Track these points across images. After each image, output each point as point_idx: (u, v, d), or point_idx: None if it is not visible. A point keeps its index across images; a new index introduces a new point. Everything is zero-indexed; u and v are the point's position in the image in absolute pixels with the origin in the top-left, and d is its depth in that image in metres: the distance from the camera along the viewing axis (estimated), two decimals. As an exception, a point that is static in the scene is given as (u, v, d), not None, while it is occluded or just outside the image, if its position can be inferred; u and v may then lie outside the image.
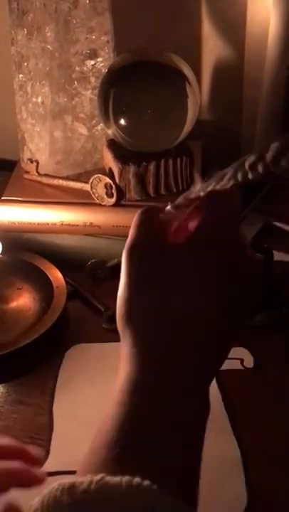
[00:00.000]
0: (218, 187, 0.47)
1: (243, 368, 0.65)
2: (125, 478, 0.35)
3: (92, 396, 0.62)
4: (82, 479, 0.36)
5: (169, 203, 0.48)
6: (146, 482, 0.35)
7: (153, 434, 0.39)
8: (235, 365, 0.65)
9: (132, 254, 0.46)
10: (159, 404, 0.40)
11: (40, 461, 0.51)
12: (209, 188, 0.47)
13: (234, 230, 0.46)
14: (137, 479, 0.35)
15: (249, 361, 0.65)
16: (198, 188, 0.47)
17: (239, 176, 0.47)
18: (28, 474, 0.48)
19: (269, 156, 0.46)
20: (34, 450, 0.50)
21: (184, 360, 0.42)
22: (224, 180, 0.47)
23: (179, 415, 0.40)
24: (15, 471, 0.48)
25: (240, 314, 0.45)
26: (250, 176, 0.46)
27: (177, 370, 0.42)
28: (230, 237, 0.45)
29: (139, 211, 0.48)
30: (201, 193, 0.47)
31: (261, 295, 0.47)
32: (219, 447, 0.55)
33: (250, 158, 0.46)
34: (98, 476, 0.35)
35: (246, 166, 0.47)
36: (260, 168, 0.46)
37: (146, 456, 0.38)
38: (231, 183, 0.47)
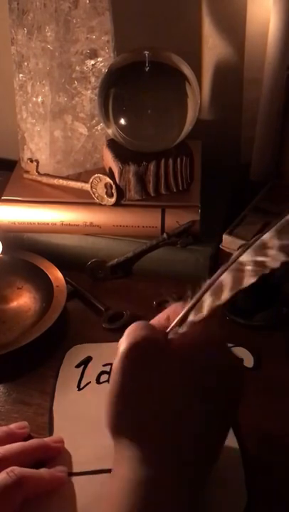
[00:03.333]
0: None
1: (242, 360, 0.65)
2: None
3: (92, 396, 0.62)
4: None
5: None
6: None
7: None
8: None
9: (130, 359, 0.47)
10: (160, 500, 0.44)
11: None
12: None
13: (218, 350, 0.49)
14: None
15: (249, 361, 0.65)
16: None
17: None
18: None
19: None
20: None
21: (179, 456, 0.45)
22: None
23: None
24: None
25: (225, 422, 0.49)
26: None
27: (176, 467, 0.45)
28: (214, 356, 0.48)
29: (132, 324, 0.50)
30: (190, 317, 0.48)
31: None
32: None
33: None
34: None
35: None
36: None
37: None
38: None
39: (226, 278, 0.47)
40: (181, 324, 0.49)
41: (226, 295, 0.47)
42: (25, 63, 0.78)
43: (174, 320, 0.50)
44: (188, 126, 0.78)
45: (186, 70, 0.77)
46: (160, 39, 0.84)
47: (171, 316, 0.51)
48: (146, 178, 0.77)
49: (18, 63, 0.79)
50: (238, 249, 0.50)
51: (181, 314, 0.49)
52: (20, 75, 0.79)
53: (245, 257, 0.47)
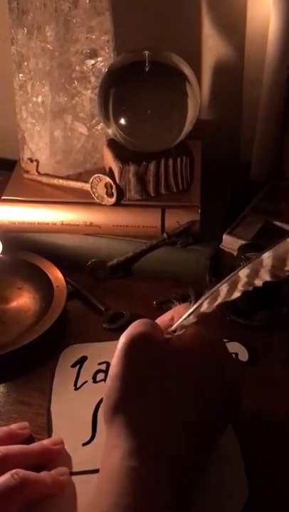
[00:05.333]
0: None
1: (238, 361, 0.65)
2: None
3: (89, 395, 0.62)
4: None
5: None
6: None
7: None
8: None
9: (131, 349, 0.49)
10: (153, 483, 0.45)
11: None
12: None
13: (216, 349, 0.51)
14: None
15: (244, 355, 0.65)
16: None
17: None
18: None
19: None
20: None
21: (167, 451, 0.46)
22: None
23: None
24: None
25: (218, 418, 0.50)
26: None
27: (166, 460, 0.46)
28: (212, 353, 0.51)
29: (138, 320, 0.52)
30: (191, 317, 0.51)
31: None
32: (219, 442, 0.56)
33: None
34: None
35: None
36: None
37: None
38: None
39: (222, 289, 0.50)
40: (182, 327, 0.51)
41: (214, 305, 0.50)
42: (25, 63, 0.78)
43: (176, 320, 0.52)
44: (188, 126, 0.78)
45: (186, 70, 0.77)
46: (160, 39, 0.84)
47: (175, 316, 0.53)
48: (147, 178, 0.77)
49: (18, 63, 0.79)
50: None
51: (183, 317, 0.51)
52: (20, 75, 0.79)
53: (244, 271, 0.50)
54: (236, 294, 0.49)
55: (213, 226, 0.78)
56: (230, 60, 0.86)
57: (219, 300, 0.49)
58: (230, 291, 0.49)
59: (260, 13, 0.80)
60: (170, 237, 0.76)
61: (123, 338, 0.50)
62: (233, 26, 0.84)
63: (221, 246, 0.75)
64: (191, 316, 0.51)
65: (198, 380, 0.49)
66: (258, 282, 0.48)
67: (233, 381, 0.52)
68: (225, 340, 0.66)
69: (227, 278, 0.50)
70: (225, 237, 0.75)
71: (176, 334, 0.51)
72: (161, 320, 0.54)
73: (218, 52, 0.86)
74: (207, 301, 0.50)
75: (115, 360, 0.49)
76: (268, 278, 0.48)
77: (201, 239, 0.76)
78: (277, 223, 0.77)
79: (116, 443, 0.47)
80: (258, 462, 0.55)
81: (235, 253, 0.71)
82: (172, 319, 0.53)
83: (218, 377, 0.50)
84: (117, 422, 0.48)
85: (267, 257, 0.48)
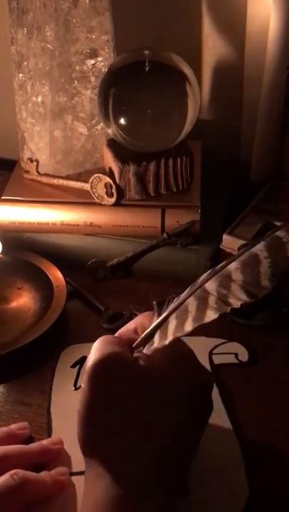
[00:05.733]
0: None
1: (238, 361, 0.65)
2: None
3: None
4: None
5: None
6: None
7: None
8: (230, 359, 0.65)
9: (97, 374, 0.47)
10: None
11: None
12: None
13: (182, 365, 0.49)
14: None
15: (244, 355, 0.65)
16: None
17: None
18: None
19: None
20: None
21: (142, 478, 0.45)
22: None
23: None
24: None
25: (194, 427, 0.49)
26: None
27: (147, 484, 0.45)
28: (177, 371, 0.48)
29: (99, 338, 0.50)
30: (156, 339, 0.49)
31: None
32: (219, 442, 0.55)
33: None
34: None
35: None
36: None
37: None
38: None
39: (190, 303, 0.47)
40: (147, 342, 0.49)
41: (188, 327, 0.46)
42: (25, 63, 0.78)
43: (141, 333, 0.50)
44: (188, 126, 0.78)
45: (186, 69, 0.77)
46: (160, 39, 0.84)
47: (138, 328, 0.51)
48: (146, 178, 0.77)
49: (17, 63, 0.79)
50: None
51: (147, 331, 0.50)
52: (20, 75, 0.79)
53: (211, 285, 0.47)
54: (211, 315, 0.45)
55: (213, 226, 0.78)
56: (230, 60, 0.86)
57: (191, 321, 0.46)
58: (200, 310, 0.46)
59: (260, 13, 0.80)
60: (170, 237, 0.76)
61: (90, 362, 0.48)
62: (233, 26, 0.84)
63: (221, 246, 0.75)
64: (158, 335, 0.48)
65: (171, 397, 0.48)
66: (235, 302, 0.45)
67: (208, 383, 0.50)
68: (225, 340, 0.66)
69: (192, 288, 0.48)
70: (225, 237, 0.75)
71: (144, 353, 0.49)
72: (125, 332, 0.52)
73: (218, 52, 0.86)
74: (174, 316, 0.48)
75: (84, 387, 0.47)
76: (243, 297, 0.44)
77: (201, 239, 0.76)
78: (277, 223, 0.77)
79: (98, 472, 0.46)
80: (257, 462, 0.55)
81: (235, 253, 0.71)
82: (136, 331, 0.51)
83: (191, 389, 0.49)
84: (95, 454, 0.47)
85: (235, 269, 0.46)
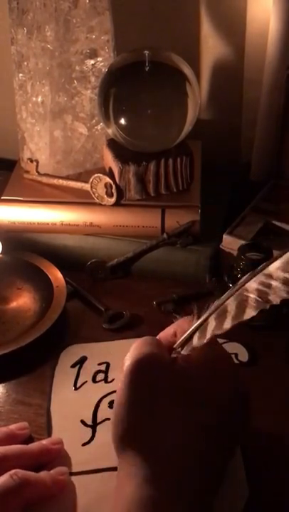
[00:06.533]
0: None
1: (238, 362, 0.65)
2: None
3: (89, 395, 0.62)
4: None
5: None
6: None
7: None
8: None
9: (136, 374, 0.47)
10: None
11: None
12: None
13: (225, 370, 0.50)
14: None
15: (244, 355, 0.65)
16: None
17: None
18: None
19: None
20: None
21: (178, 478, 0.45)
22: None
23: None
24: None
25: (229, 440, 0.49)
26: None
27: (182, 484, 0.44)
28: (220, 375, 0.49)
29: (139, 339, 0.50)
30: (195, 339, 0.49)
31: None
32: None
33: None
34: None
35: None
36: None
37: None
38: None
39: (230, 303, 0.48)
40: (186, 344, 0.50)
41: (227, 325, 0.47)
42: (25, 63, 0.78)
43: (180, 336, 0.50)
44: (188, 126, 0.78)
45: (186, 69, 0.77)
46: (160, 39, 0.84)
47: (178, 331, 0.51)
48: (146, 178, 0.77)
49: (17, 63, 0.79)
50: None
51: (187, 333, 0.50)
52: (20, 75, 0.79)
53: (252, 284, 0.48)
54: (250, 313, 0.47)
55: (213, 226, 0.78)
56: (230, 60, 0.86)
57: (230, 319, 0.47)
58: (239, 308, 0.47)
59: (260, 14, 0.80)
60: (170, 237, 0.76)
61: (128, 361, 0.48)
62: (233, 26, 0.84)
63: (221, 246, 0.75)
64: (197, 336, 0.49)
65: (208, 399, 0.47)
66: (274, 299, 0.46)
67: (244, 393, 0.51)
68: (225, 340, 0.66)
69: (232, 290, 0.48)
70: (225, 237, 0.75)
71: (182, 354, 0.49)
72: (164, 335, 0.52)
73: (218, 52, 0.86)
74: (213, 316, 0.48)
75: (121, 386, 0.48)
76: (284, 294, 0.46)
77: (201, 239, 0.76)
78: (277, 223, 0.77)
79: (131, 471, 0.46)
80: (258, 462, 0.55)
81: (235, 253, 0.71)
82: (175, 335, 0.51)
83: (228, 394, 0.49)
84: (128, 451, 0.47)
85: (276, 268, 0.47)
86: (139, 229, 0.78)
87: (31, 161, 0.83)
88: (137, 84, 0.76)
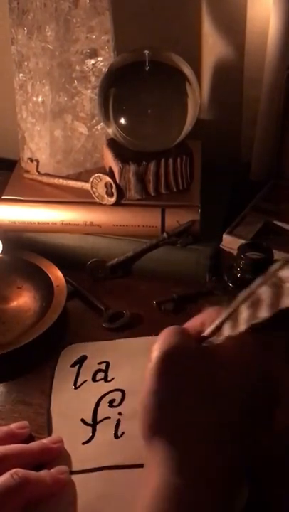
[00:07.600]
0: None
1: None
2: None
3: (89, 394, 0.62)
4: None
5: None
6: None
7: None
8: None
9: (165, 364, 0.47)
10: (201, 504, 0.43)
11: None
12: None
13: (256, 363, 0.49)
14: None
15: None
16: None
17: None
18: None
19: None
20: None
21: (213, 463, 0.45)
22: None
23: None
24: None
25: (260, 424, 0.48)
26: None
27: (210, 474, 0.44)
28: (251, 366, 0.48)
29: (165, 329, 0.50)
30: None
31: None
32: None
33: None
34: None
35: None
36: None
37: None
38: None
39: (264, 292, 0.47)
40: (215, 333, 0.49)
41: (264, 313, 0.46)
42: (26, 63, 0.78)
43: (208, 325, 0.50)
44: (188, 126, 0.78)
45: (186, 69, 0.77)
46: (160, 39, 0.84)
47: (206, 321, 0.51)
48: (147, 177, 0.77)
49: (18, 63, 0.79)
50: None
51: (217, 322, 0.49)
52: (21, 75, 0.79)
53: (286, 273, 0.47)
54: (287, 301, 0.45)
55: (213, 226, 0.78)
56: (230, 60, 0.86)
57: (267, 308, 0.46)
58: (276, 296, 0.46)
59: (260, 13, 0.80)
60: (170, 236, 0.76)
61: (156, 352, 0.48)
62: (233, 26, 0.84)
63: (221, 246, 0.75)
64: (228, 325, 0.48)
65: (239, 389, 0.47)
66: None
67: (271, 394, 0.49)
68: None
69: (264, 278, 0.47)
70: (225, 236, 0.75)
71: (216, 343, 0.48)
72: (192, 325, 0.52)
73: (218, 52, 0.87)
74: (246, 305, 0.47)
75: (149, 376, 0.47)
76: None
77: (201, 239, 0.76)
78: (277, 223, 0.77)
79: (159, 460, 0.45)
80: (258, 462, 0.55)
81: (235, 253, 0.71)
82: (203, 324, 0.51)
83: (260, 386, 0.48)
84: (157, 440, 0.46)
85: None
86: (139, 228, 0.78)
87: (31, 160, 0.83)
88: (137, 84, 0.77)
